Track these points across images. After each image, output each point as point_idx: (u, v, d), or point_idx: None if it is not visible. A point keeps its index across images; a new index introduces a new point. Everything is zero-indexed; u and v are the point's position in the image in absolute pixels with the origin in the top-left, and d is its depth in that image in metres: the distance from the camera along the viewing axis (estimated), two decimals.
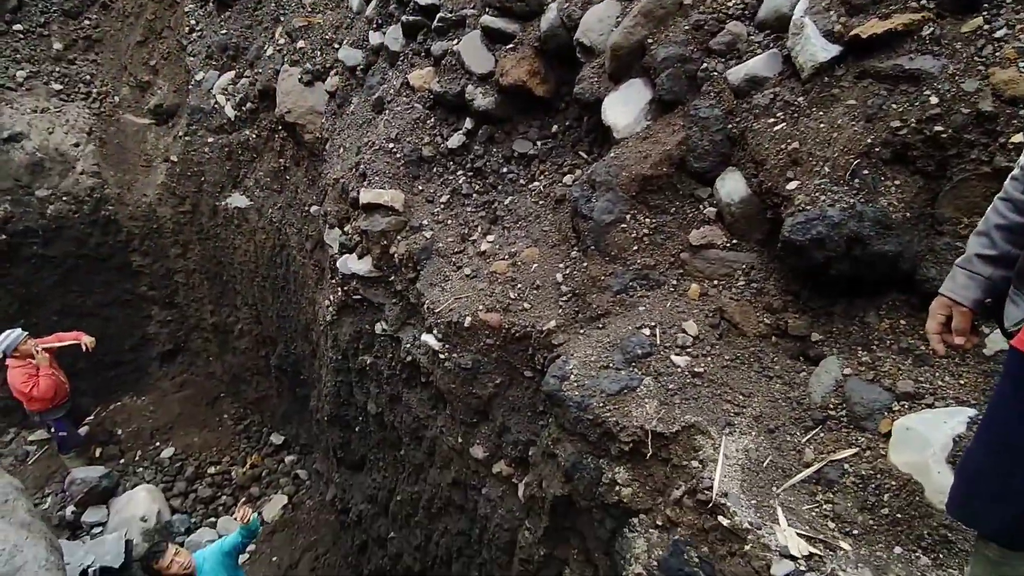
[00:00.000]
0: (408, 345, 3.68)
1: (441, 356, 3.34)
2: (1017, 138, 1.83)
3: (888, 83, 2.06)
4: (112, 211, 6.77)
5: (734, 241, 2.57)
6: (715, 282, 2.60)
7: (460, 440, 3.49)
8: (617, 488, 2.45)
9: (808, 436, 2.17)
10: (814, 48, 2.17)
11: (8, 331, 5.59)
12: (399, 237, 3.70)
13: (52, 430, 6.12)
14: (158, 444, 6.92)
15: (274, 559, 5.62)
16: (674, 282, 2.68)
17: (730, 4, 2.60)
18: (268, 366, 6.69)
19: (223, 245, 6.54)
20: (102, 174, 6.74)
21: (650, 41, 2.72)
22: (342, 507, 5.28)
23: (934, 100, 1.96)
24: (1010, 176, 1.37)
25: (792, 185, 2.23)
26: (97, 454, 6.58)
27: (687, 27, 2.64)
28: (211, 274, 6.88)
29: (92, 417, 6.96)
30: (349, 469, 5.03)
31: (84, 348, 5.82)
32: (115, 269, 7.01)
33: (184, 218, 6.73)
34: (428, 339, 3.40)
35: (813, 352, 2.34)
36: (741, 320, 2.47)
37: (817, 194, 2.17)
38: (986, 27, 1.97)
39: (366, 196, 3.74)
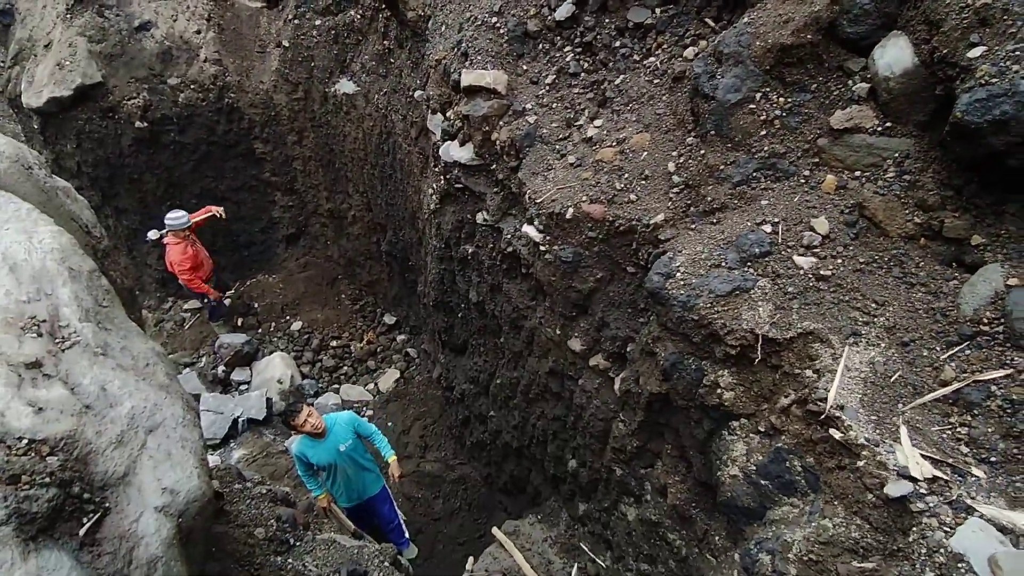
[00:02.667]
0: (509, 236, 3.64)
1: (542, 248, 3.28)
2: None
3: None
4: (234, 99, 7.07)
5: (888, 124, 2.18)
6: (857, 173, 2.26)
7: (558, 332, 3.50)
8: (719, 391, 2.36)
9: (951, 352, 1.91)
10: None
11: (177, 212, 6.11)
12: (501, 123, 3.54)
13: (204, 300, 6.94)
14: (288, 318, 7.67)
15: (389, 424, 6.23)
16: (806, 172, 2.36)
17: None
18: (379, 251, 7.03)
19: (334, 132, 6.69)
20: (223, 61, 6.98)
21: None
22: (447, 385, 5.66)
23: None
24: None
25: (976, 52, 1.80)
26: (239, 323, 7.44)
27: None
28: (325, 161, 7.14)
29: (232, 291, 7.80)
30: (453, 351, 5.31)
31: (219, 216, 6.31)
32: (241, 156, 7.45)
33: (298, 105, 6.91)
34: (529, 230, 3.33)
35: (970, 258, 2.01)
36: (884, 218, 2.15)
37: (1008, 63, 1.74)
38: None
39: (467, 78, 3.57)
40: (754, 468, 2.23)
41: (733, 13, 2.67)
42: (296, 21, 6.39)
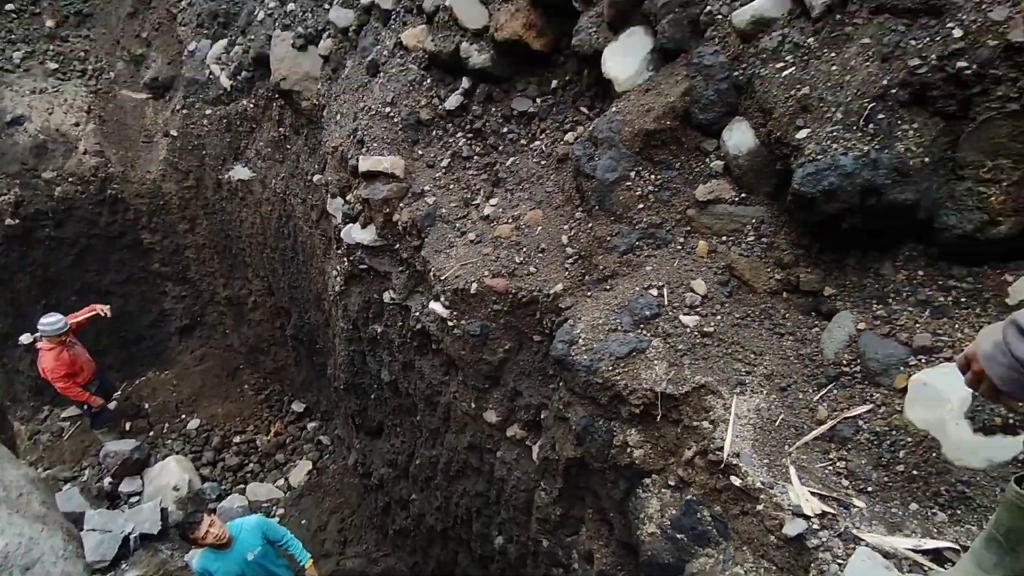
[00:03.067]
0: (417, 313, 3.67)
1: (450, 323, 3.32)
2: None
3: (906, 17, 1.92)
4: (118, 189, 6.76)
5: (743, 195, 2.47)
6: (723, 238, 2.52)
7: (473, 405, 3.51)
8: (629, 450, 2.45)
9: (821, 393, 2.12)
10: None
11: (51, 317, 5.55)
12: (401, 204, 3.64)
13: (84, 408, 6.29)
14: (184, 416, 7.10)
15: (303, 522, 5.81)
16: (681, 240, 2.60)
17: None
18: (284, 336, 6.77)
19: (229, 218, 6.52)
20: (104, 153, 6.70)
21: None
22: (364, 471, 5.41)
23: (957, 33, 1.82)
24: None
25: (802, 134, 2.12)
26: (127, 428, 6.78)
27: None
28: (220, 248, 6.90)
29: (119, 393, 7.15)
30: (368, 435, 5.12)
31: (104, 315, 5.83)
32: (127, 247, 7.05)
33: (189, 193, 6.71)
34: (436, 307, 3.38)
35: (826, 307, 2.28)
36: (751, 276, 2.40)
37: (829, 142, 2.06)
38: None
39: (365, 164, 3.66)
40: (669, 523, 2.31)
41: (603, 102, 2.97)
42: (185, 111, 6.29)
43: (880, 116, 1.96)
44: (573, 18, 3.00)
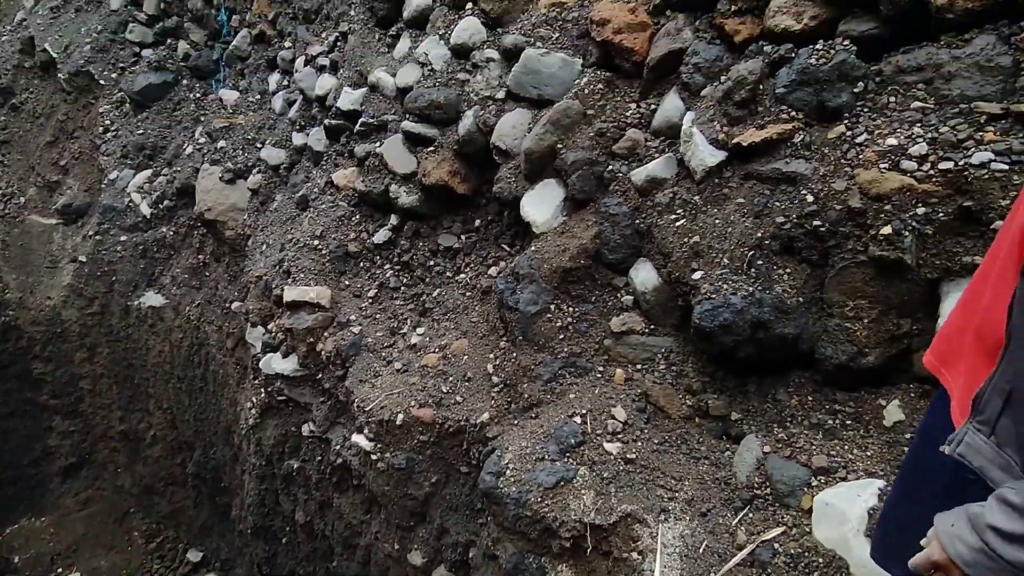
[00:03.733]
0: (338, 447, 3.53)
1: (373, 457, 3.22)
2: (886, 230, 2.08)
3: (769, 184, 2.31)
4: (13, 316, 6.29)
5: (652, 327, 2.70)
6: (638, 367, 2.70)
7: (397, 546, 3.31)
8: None
9: (739, 517, 2.22)
10: (703, 154, 2.41)
11: None
12: (326, 334, 3.63)
13: None
14: (60, 570, 6.16)
15: None
16: (600, 368, 2.76)
17: (628, 114, 2.87)
18: (184, 474, 6.19)
19: (135, 346, 6.16)
20: (3, 278, 6.30)
21: (560, 146, 2.93)
22: None
23: (810, 198, 2.21)
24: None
25: (697, 275, 2.40)
26: None
27: (592, 134, 2.87)
28: (121, 378, 6.42)
29: None
30: None
31: None
32: (14, 377, 6.43)
33: (92, 320, 6.33)
34: (359, 439, 3.28)
35: (735, 431, 2.45)
36: (665, 403, 2.56)
37: (720, 283, 2.34)
38: (848, 133, 2.26)
39: (291, 294, 3.68)
40: None
41: (523, 241, 3.24)
42: (98, 237, 6.12)
43: (759, 262, 2.28)
44: (493, 168, 3.33)
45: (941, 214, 1.98)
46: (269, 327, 4.07)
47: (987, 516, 1.00)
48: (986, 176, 1.87)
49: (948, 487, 1.25)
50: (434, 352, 3.29)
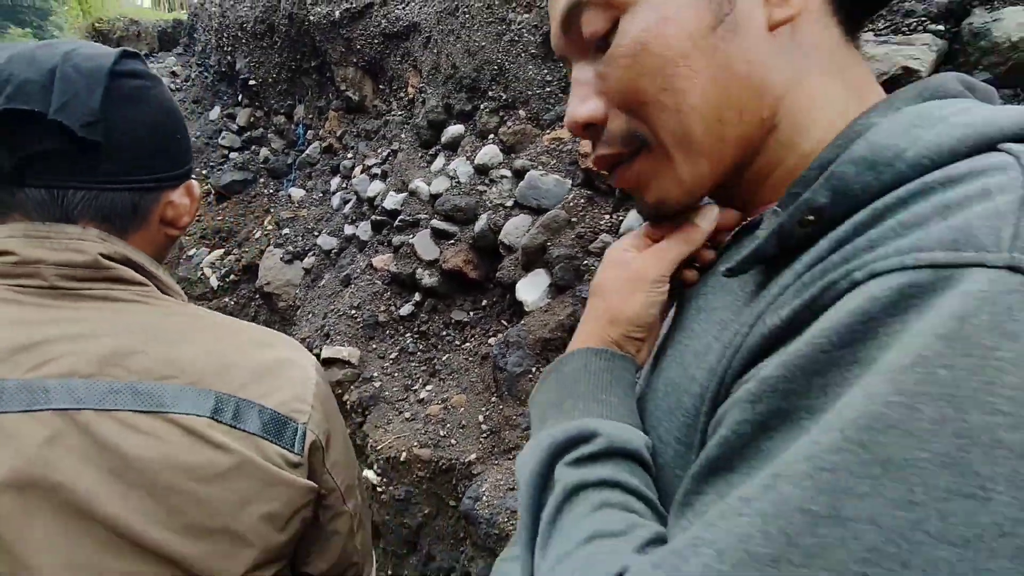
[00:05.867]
0: None
1: (379, 489, 3.83)
2: None
3: None
4: None
5: None
6: None
7: (391, 572, 3.82)
8: None
9: None
10: None
11: None
12: (352, 387, 4.37)
13: None
14: None
15: None
16: None
17: (602, 222, 3.72)
18: None
19: None
20: None
21: (549, 244, 3.77)
22: None
23: None
24: None
25: None
26: None
27: (573, 236, 3.72)
28: None
29: None
30: None
31: None
32: None
33: None
34: (369, 474, 3.91)
35: None
36: None
37: None
38: None
39: (328, 352, 4.47)
40: None
41: (517, 317, 4.00)
42: None
43: None
44: (500, 259, 4.18)
45: None
46: None
47: None
48: None
49: None
50: (437, 404, 3.98)
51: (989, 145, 0.37)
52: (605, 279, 0.66)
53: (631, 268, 0.61)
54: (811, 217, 0.41)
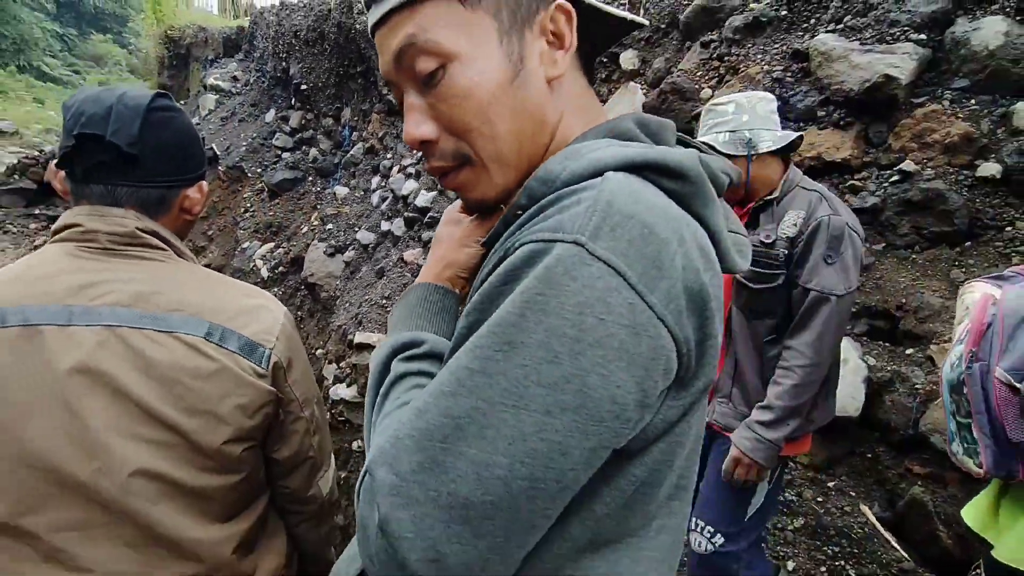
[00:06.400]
0: None
1: None
2: None
3: None
4: None
5: None
6: None
7: None
8: None
9: None
10: None
11: None
12: None
13: None
14: None
15: None
16: None
17: None
18: None
19: None
20: None
21: None
22: None
23: None
24: None
25: None
26: None
27: None
28: None
29: None
30: None
31: None
32: None
33: None
34: None
35: None
36: None
37: None
38: None
39: (359, 337, 4.85)
40: None
41: None
42: None
43: None
44: None
45: None
46: (341, 364, 5.24)
47: (746, 422, 1.79)
48: None
49: (706, 446, 2.09)
50: None
51: (600, 172, 0.60)
52: (444, 234, 0.86)
53: (463, 228, 0.86)
54: (519, 211, 0.67)
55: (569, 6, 0.72)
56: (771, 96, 1.84)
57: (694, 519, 1.89)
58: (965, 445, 1.21)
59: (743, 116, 1.75)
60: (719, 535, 1.81)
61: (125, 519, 0.93)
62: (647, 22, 0.94)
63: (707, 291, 0.58)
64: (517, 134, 0.72)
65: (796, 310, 1.71)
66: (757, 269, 1.74)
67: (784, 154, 1.82)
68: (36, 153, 8.59)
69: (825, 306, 1.63)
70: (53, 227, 1.03)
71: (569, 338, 0.52)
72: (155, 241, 1.03)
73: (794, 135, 1.77)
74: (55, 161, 1.04)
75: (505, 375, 0.52)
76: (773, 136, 1.74)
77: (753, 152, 1.71)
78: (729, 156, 1.73)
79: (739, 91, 3.16)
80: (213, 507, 1.01)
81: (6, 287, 0.94)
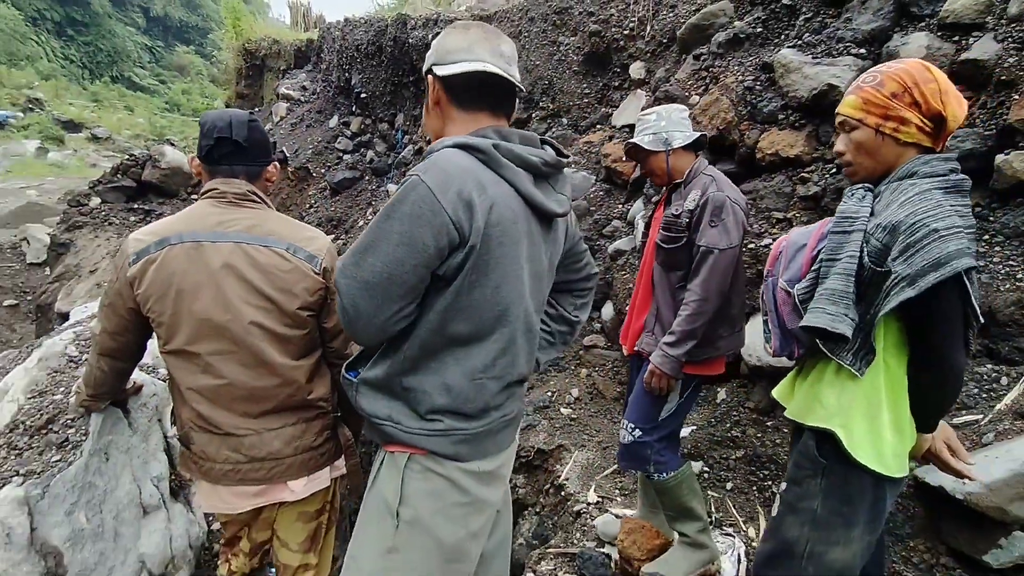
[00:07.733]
0: None
1: None
2: None
3: None
4: None
5: (609, 344, 4.17)
6: (596, 368, 4.16)
7: None
8: (517, 489, 3.80)
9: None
10: (639, 234, 3.98)
11: None
12: None
13: None
14: None
15: None
16: (572, 368, 4.25)
17: (615, 210, 4.52)
18: None
19: None
20: None
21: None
22: None
23: None
24: None
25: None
26: None
27: (591, 221, 4.55)
28: None
29: None
30: None
31: None
32: None
33: None
34: None
35: None
36: (604, 389, 3.98)
37: None
38: None
39: None
40: (530, 535, 3.59)
41: None
42: None
43: None
44: None
45: None
46: None
47: (660, 346, 2.38)
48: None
49: (639, 371, 2.64)
50: None
51: (443, 148, 1.32)
52: None
53: None
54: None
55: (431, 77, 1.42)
56: (683, 107, 2.43)
57: (623, 420, 2.48)
58: (766, 335, 1.76)
59: (662, 122, 2.33)
60: (637, 429, 2.39)
61: (245, 349, 1.69)
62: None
63: (473, 200, 1.23)
64: (437, 135, 1.44)
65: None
66: (669, 234, 2.32)
67: (695, 150, 2.39)
68: (136, 154, 9.90)
69: (710, 257, 2.19)
70: (201, 190, 1.79)
71: (408, 215, 1.22)
72: (255, 198, 1.78)
73: (698, 134, 2.35)
74: (195, 154, 1.80)
75: (383, 228, 1.24)
76: (684, 136, 2.32)
77: (669, 148, 2.30)
78: (653, 152, 2.33)
79: (716, 98, 3.71)
80: (292, 348, 1.76)
81: (180, 222, 1.71)
